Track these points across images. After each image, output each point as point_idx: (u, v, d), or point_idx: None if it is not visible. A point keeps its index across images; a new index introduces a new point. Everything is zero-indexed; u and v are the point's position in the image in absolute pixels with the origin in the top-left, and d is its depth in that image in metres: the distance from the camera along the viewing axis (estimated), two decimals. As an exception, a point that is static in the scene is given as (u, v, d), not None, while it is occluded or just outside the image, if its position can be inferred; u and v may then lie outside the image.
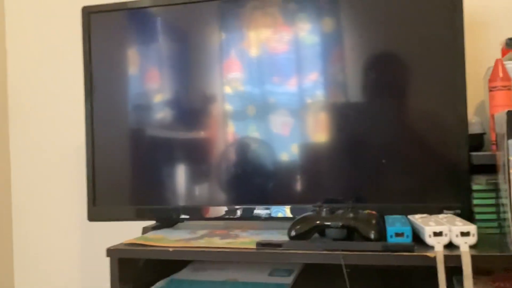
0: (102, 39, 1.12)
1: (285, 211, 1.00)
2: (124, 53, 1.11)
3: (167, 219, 1.10)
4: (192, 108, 1.06)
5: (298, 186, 1.02)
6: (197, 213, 1.05)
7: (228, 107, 1.04)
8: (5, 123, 1.52)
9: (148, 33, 1.10)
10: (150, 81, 1.09)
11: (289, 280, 0.96)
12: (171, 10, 1.09)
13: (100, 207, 1.11)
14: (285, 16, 1.03)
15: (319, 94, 1.00)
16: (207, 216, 1.05)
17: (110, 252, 0.91)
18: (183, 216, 1.05)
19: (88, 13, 1.12)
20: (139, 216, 1.09)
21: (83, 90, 1.15)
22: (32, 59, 1.51)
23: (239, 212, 1.03)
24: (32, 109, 1.50)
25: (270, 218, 1.01)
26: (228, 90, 1.05)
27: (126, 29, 1.11)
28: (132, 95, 1.10)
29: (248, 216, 1.02)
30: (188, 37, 1.07)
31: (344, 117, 0.99)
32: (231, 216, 1.03)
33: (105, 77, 1.12)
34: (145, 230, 1.06)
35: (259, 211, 1.02)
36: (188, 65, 1.07)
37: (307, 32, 1.01)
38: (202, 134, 1.06)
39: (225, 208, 1.03)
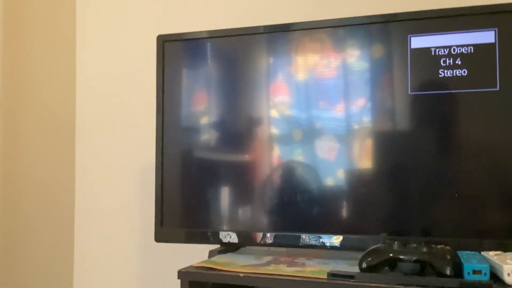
0: (173, 65, 1.17)
1: (340, 240, 1.01)
2: (190, 79, 1.16)
3: (228, 244, 1.12)
4: (253, 133, 1.09)
5: (347, 214, 1.03)
6: (253, 238, 1.07)
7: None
8: (71, 142, 1.59)
9: (211, 60, 1.15)
10: (210, 106, 1.14)
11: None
12: (229, 39, 1.15)
13: (166, 228, 1.14)
14: (333, 42, 1.05)
15: (367, 120, 1.01)
16: (264, 242, 1.06)
17: (181, 274, 0.93)
18: (233, 241, 1.08)
19: (162, 41, 1.17)
20: (200, 239, 1.11)
21: (150, 112, 1.20)
22: (99, 80, 1.58)
23: (294, 240, 1.04)
24: (98, 131, 1.57)
25: (324, 247, 1.02)
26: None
27: (193, 57, 1.16)
28: (197, 119, 1.14)
29: (302, 244, 1.03)
30: (246, 64, 1.12)
31: (409, 147, 0.99)
32: (287, 243, 1.05)
33: (173, 101, 1.16)
34: (211, 253, 1.08)
35: (311, 239, 1.03)
36: (248, 91, 1.11)
37: (355, 58, 1.03)
38: (257, 158, 1.08)
39: (282, 235, 1.05)
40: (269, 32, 1.10)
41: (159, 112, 1.16)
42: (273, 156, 1.09)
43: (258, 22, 1.14)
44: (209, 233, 1.10)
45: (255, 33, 1.11)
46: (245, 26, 1.13)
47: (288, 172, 1.08)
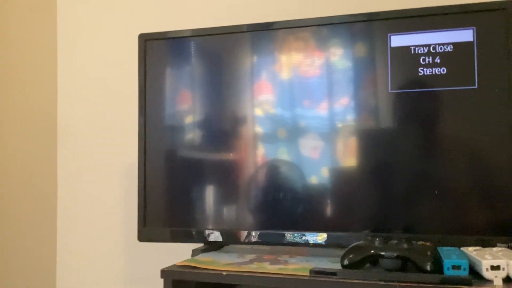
0: (155, 64, 1.17)
1: (324, 237, 1.02)
2: (172, 78, 1.16)
3: (211, 242, 1.12)
4: (237, 131, 1.10)
5: (331, 212, 1.04)
6: (237, 237, 1.07)
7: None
8: (53, 143, 1.57)
9: (194, 59, 1.15)
10: (194, 104, 1.14)
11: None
12: (213, 38, 1.14)
13: (149, 228, 1.13)
14: (315, 41, 1.05)
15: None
16: (248, 240, 1.07)
17: (165, 273, 0.93)
18: (217, 240, 1.08)
19: (144, 40, 1.17)
20: (184, 238, 1.11)
21: (132, 113, 1.20)
22: (81, 81, 1.56)
23: (277, 238, 1.04)
24: (80, 131, 1.55)
25: (308, 245, 1.03)
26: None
27: (175, 55, 1.16)
28: (180, 118, 1.14)
29: (286, 242, 1.04)
30: (230, 62, 1.12)
31: (389, 144, 1.00)
32: (270, 241, 1.06)
33: (156, 100, 1.16)
34: (195, 252, 1.08)
35: (295, 237, 1.03)
36: (232, 89, 1.11)
37: (335, 57, 1.04)
38: (240, 157, 1.09)
39: (265, 233, 1.06)
40: (253, 31, 1.10)
41: (141, 111, 1.16)
42: (257, 154, 1.09)
43: (242, 20, 1.14)
44: (193, 232, 1.10)
45: (238, 32, 1.11)
46: (228, 24, 1.13)
47: (272, 170, 1.08)
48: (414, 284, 0.79)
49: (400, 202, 0.99)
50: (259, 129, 1.09)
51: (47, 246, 1.54)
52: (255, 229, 1.07)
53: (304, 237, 1.03)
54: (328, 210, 1.05)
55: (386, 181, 1.01)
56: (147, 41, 1.17)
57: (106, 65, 1.53)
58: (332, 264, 0.93)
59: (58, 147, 1.58)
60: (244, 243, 1.07)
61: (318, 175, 1.04)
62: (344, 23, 1.04)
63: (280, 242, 1.04)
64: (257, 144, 1.09)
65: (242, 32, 1.11)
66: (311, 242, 1.02)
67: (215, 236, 1.08)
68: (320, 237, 1.02)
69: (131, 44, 1.44)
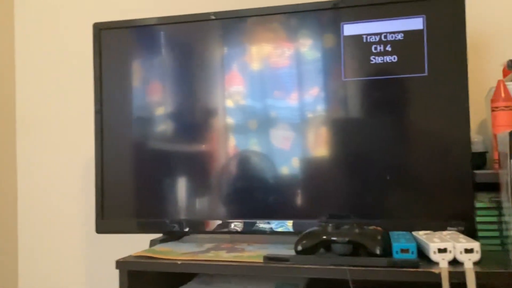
0: (112, 54, 1.15)
1: (287, 225, 1.02)
2: (132, 68, 1.14)
3: (171, 233, 1.11)
4: (197, 122, 1.09)
5: (299, 201, 1.04)
6: (200, 226, 1.07)
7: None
8: (12, 136, 1.54)
9: (155, 49, 1.13)
10: (157, 95, 1.12)
11: (294, 294, 0.98)
12: (176, 26, 1.12)
13: (108, 220, 1.12)
14: (286, 32, 1.05)
15: (320, 109, 1.03)
16: (211, 229, 1.07)
17: (120, 264, 0.92)
18: (186, 229, 1.08)
19: (99, 29, 1.15)
20: (145, 229, 1.11)
21: (93, 105, 1.18)
22: (40, 74, 1.53)
23: (242, 226, 1.05)
24: (39, 124, 1.53)
25: (272, 233, 1.03)
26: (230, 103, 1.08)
27: (134, 45, 1.14)
28: (139, 109, 1.13)
29: (251, 230, 1.04)
30: (193, 52, 1.11)
31: (344, 132, 1.01)
32: (234, 230, 1.05)
33: (114, 92, 1.14)
34: (153, 242, 1.08)
35: (262, 225, 1.04)
36: (195, 80, 1.10)
37: (308, 48, 1.04)
38: (206, 147, 1.08)
39: (228, 222, 1.06)
40: (219, 19, 1.09)
41: (97, 102, 1.14)
42: (227, 145, 1.08)
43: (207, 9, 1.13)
44: (155, 222, 1.09)
45: (201, 20, 1.10)
46: (191, 13, 1.12)
47: (240, 160, 1.07)
48: (363, 268, 0.80)
49: (356, 188, 1.00)
50: (231, 120, 1.08)
51: (8, 239, 1.51)
52: (218, 219, 1.06)
53: (270, 225, 1.03)
54: (293, 199, 1.04)
55: (340, 168, 1.02)
56: (102, 31, 1.15)
57: (66, 57, 1.51)
58: (288, 250, 0.94)
59: (17, 140, 1.55)
60: (207, 232, 1.07)
61: (289, 165, 1.04)
62: (298, 12, 1.04)
63: (248, 230, 1.04)
64: (227, 135, 1.08)
65: (205, 20, 1.09)
66: (279, 229, 1.03)
67: (178, 226, 1.08)
68: (285, 225, 1.02)
69: (90, 34, 1.42)
